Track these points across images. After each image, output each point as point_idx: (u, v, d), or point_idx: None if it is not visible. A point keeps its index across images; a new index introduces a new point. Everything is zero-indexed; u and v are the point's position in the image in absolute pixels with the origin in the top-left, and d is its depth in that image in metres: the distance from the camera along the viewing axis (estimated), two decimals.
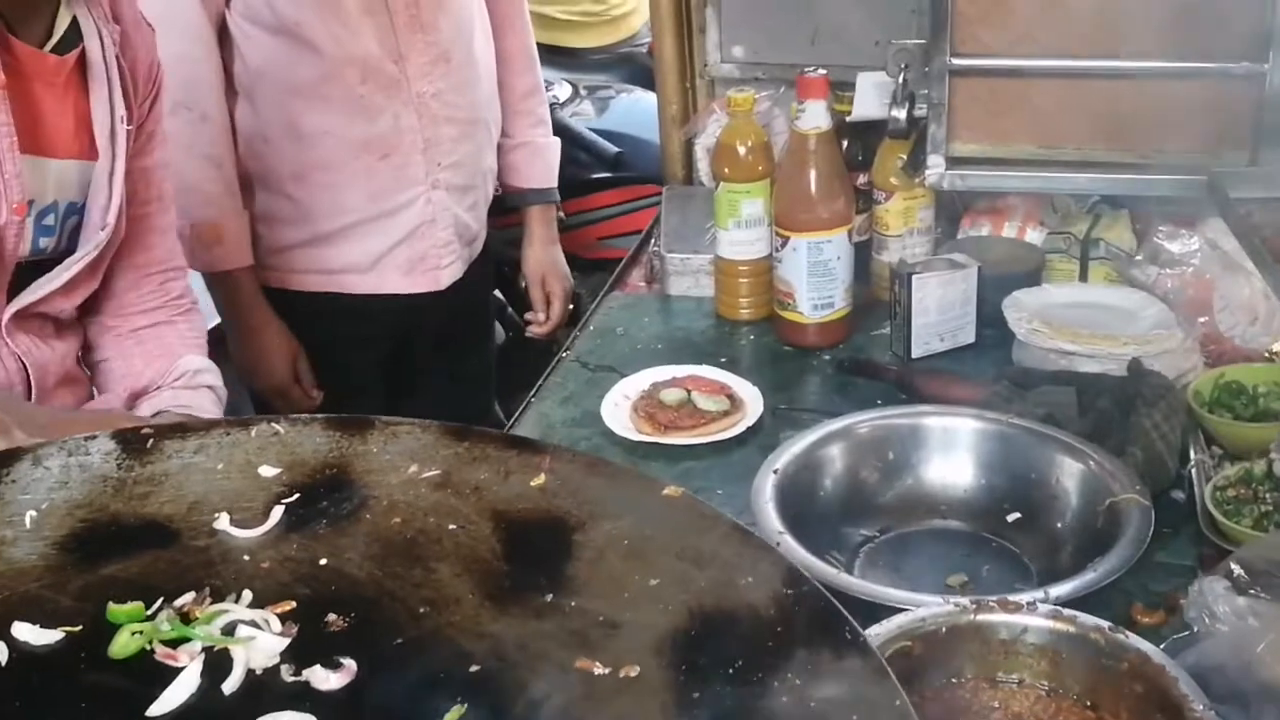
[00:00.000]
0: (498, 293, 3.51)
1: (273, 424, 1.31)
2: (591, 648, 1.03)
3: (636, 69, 4.42)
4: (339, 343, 2.71)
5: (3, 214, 1.67)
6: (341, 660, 1.04)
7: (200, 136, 2.44)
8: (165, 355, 1.98)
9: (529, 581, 1.11)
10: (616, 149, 3.75)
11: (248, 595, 1.13)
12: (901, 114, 2.13)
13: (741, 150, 2.43)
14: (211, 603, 1.12)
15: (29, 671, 1.05)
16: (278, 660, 1.05)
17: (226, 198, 2.51)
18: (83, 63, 1.78)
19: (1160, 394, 1.91)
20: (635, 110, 3.99)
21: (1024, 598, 1.51)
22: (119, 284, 1.95)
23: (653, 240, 2.84)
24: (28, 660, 1.07)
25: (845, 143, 2.48)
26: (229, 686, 1.04)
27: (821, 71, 2.30)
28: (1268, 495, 1.78)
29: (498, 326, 3.42)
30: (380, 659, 1.04)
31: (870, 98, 2.45)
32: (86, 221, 1.82)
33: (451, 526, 1.18)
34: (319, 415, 1.32)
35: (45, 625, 1.09)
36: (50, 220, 1.77)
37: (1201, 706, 1.32)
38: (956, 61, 2.07)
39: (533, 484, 1.23)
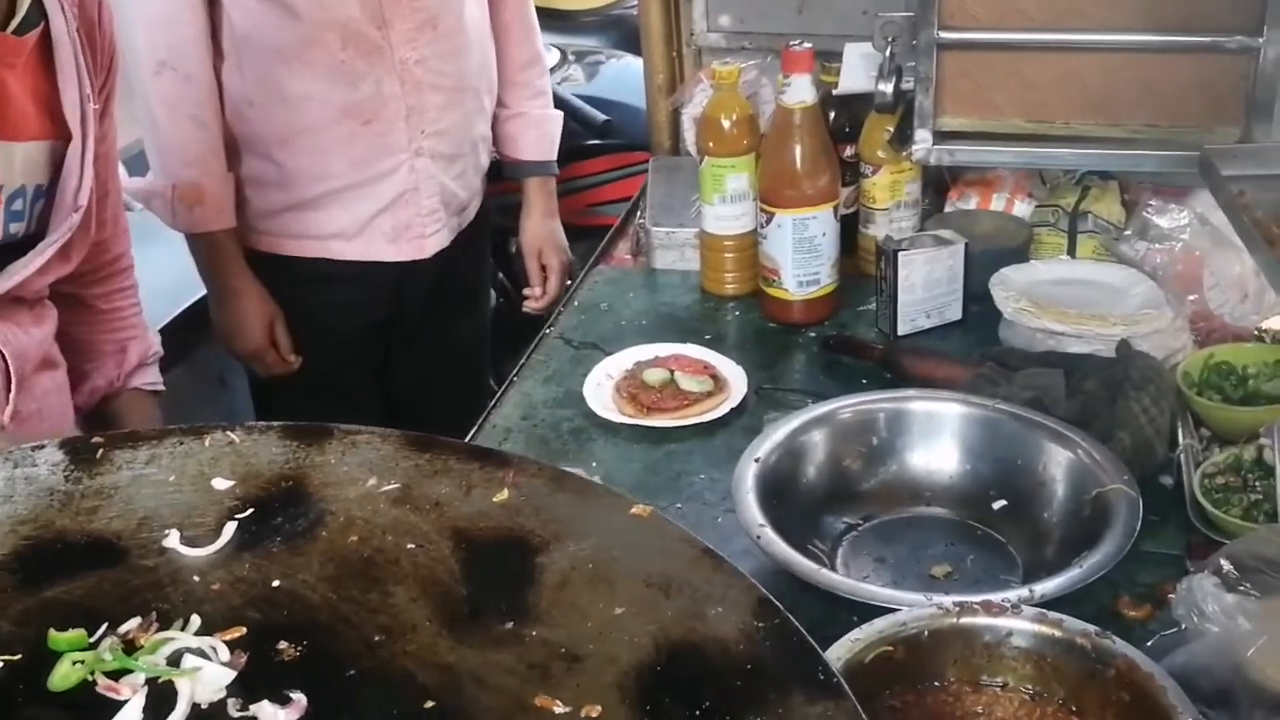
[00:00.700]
0: None
1: (228, 433, 1.26)
2: (552, 683, 0.99)
3: (629, 31, 4.37)
4: (329, 309, 2.69)
5: None
6: (291, 694, 1.00)
7: (185, 97, 2.44)
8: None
9: (488, 607, 1.07)
10: (605, 116, 3.71)
11: (196, 621, 1.08)
12: (888, 88, 2.09)
13: (726, 124, 2.38)
14: (159, 628, 1.08)
15: None
16: (224, 694, 1.01)
17: (210, 159, 2.50)
18: (44, 42, 1.74)
19: (1149, 377, 1.87)
20: (625, 76, 3.95)
21: (1009, 595, 1.49)
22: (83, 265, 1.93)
23: (639, 212, 2.80)
24: None
25: (832, 114, 2.44)
26: None
27: (807, 45, 2.25)
28: (1257, 484, 1.75)
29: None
30: (332, 692, 1.00)
31: (858, 69, 2.40)
32: (59, 203, 1.79)
33: (410, 546, 1.14)
34: (275, 424, 1.27)
35: None
36: (19, 205, 1.75)
37: (1190, 718, 1.29)
38: (945, 34, 2.04)
39: (496, 499, 1.18)
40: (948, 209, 2.52)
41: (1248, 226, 1.59)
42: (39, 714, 1.01)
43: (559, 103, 3.03)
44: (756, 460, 1.79)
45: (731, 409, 2.11)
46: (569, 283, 2.92)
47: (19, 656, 1.05)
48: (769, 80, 2.71)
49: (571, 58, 4.06)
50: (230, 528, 1.18)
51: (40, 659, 1.04)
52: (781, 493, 1.78)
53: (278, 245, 2.63)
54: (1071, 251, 2.39)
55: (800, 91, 2.24)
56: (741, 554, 1.72)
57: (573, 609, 1.06)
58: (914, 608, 1.46)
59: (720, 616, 1.02)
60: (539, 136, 2.93)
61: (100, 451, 1.25)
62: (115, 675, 1.03)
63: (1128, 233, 2.32)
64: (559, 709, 0.97)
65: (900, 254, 2.24)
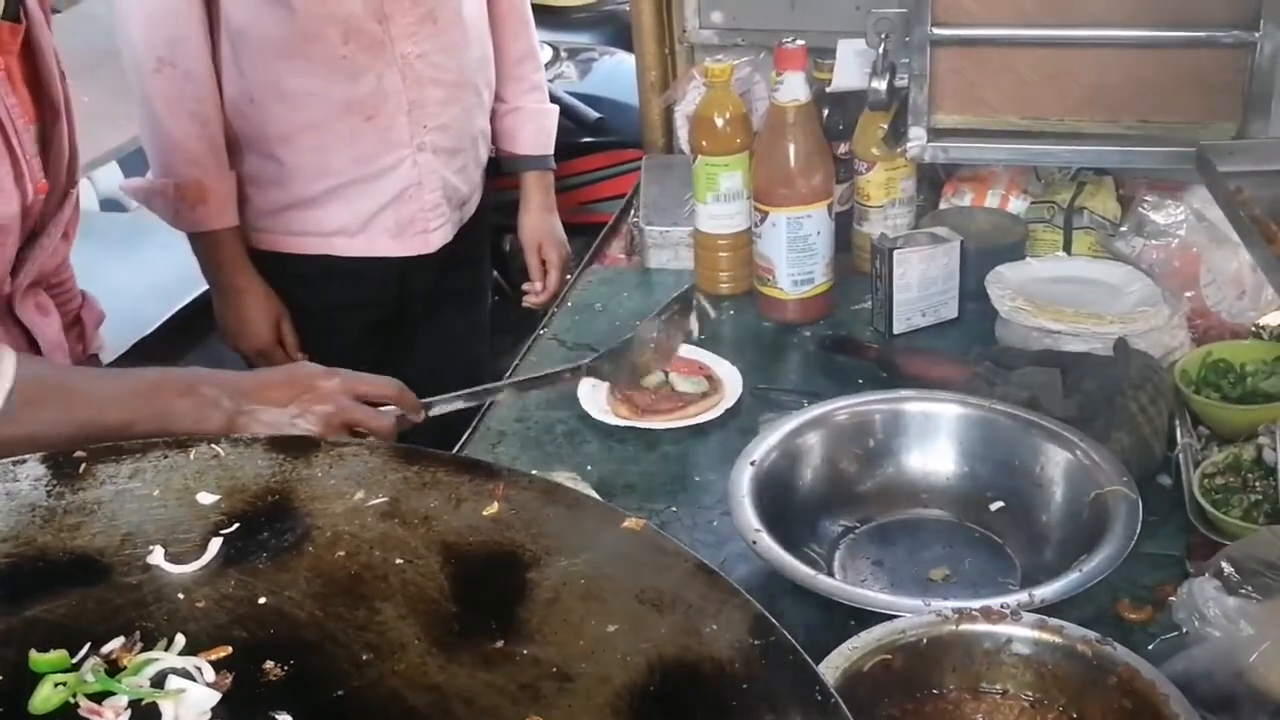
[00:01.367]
0: None
1: (213, 445, 1.24)
2: (543, 704, 0.97)
3: (621, 28, 4.36)
4: (332, 305, 2.68)
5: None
6: (277, 716, 0.98)
7: (185, 94, 2.42)
8: None
9: (478, 625, 1.04)
10: (597, 114, 3.70)
11: (180, 640, 1.07)
12: (882, 85, 2.07)
13: (719, 122, 2.36)
14: (142, 648, 1.06)
15: None
16: (209, 716, 0.99)
17: (211, 157, 2.48)
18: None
19: (1146, 376, 1.86)
20: (617, 73, 3.94)
21: (1009, 600, 1.47)
22: None
23: (632, 212, 2.78)
24: None
25: (826, 111, 2.41)
26: None
27: (800, 43, 2.23)
28: (1257, 484, 1.74)
29: None
30: (319, 714, 0.98)
31: (851, 66, 2.38)
32: (54, 183, 1.77)
33: (398, 561, 1.12)
34: (261, 436, 1.25)
35: None
36: None
37: None
38: (938, 31, 2.01)
39: (485, 513, 1.16)
40: (942, 205, 2.50)
41: (1245, 223, 1.58)
42: None
43: (551, 99, 3.01)
44: (752, 463, 1.77)
45: (727, 410, 2.09)
46: (568, 277, 2.91)
47: (0, 678, 1.03)
48: (762, 77, 2.70)
49: (564, 55, 4.06)
50: (215, 543, 1.17)
51: (21, 680, 1.03)
52: (778, 495, 1.76)
53: (279, 243, 2.61)
54: (1067, 247, 2.37)
55: (793, 89, 2.22)
56: (738, 558, 1.71)
57: (564, 627, 1.04)
58: (913, 615, 1.44)
59: (715, 634, 1.00)
60: (536, 131, 2.91)
61: (83, 466, 1.23)
62: (98, 697, 1.01)
63: (1123, 229, 2.31)
64: None
65: (895, 252, 2.22)
